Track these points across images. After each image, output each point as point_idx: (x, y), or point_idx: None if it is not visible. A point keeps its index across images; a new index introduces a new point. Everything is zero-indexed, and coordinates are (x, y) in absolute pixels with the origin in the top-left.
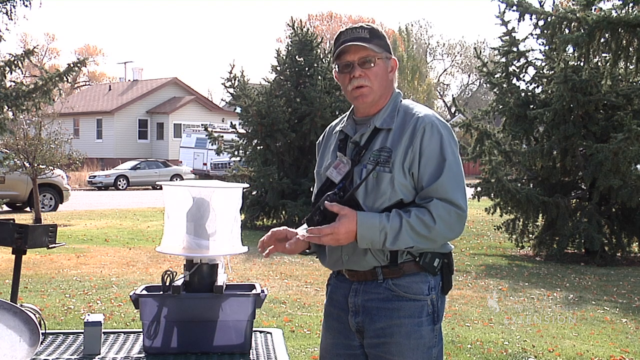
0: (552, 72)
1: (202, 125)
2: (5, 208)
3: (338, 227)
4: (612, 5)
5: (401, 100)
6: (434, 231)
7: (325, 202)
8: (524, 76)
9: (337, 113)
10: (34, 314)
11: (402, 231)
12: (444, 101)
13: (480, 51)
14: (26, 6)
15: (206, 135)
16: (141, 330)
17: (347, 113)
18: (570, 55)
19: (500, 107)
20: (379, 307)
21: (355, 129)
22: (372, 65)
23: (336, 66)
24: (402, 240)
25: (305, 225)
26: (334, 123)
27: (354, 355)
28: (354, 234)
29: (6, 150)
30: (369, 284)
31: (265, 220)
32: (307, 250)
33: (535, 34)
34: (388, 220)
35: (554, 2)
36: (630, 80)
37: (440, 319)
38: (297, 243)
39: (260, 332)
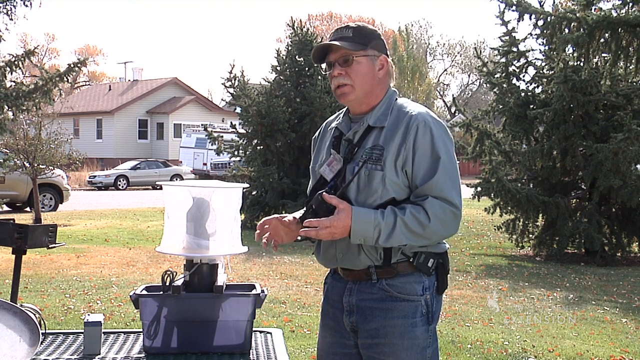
0: (552, 72)
1: (202, 125)
2: (5, 208)
3: (337, 221)
4: (612, 5)
5: (396, 99)
6: (429, 229)
7: (324, 194)
8: (524, 76)
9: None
10: (34, 314)
11: (396, 229)
12: (444, 101)
13: (480, 51)
14: (26, 6)
15: (206, 135)
16: (141, 330)
17: (344, 110)
18: (570, 55)
19: (500, 107)
20: (372, 307)
21: (350, 126)
22: (351, 63)
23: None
24: (396, 238)
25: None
26: (330, 119)
27: (350, 354)
28: (349, 228)
29: (6, 151)
30: (363, 284)
31: None
32: (299, 238)
33: (535, 34)
34: (383, 217)
35: (554, 2)
36: (630, 80)
37: (435, 319)
38: (294, 228)
39: (260, 332)
